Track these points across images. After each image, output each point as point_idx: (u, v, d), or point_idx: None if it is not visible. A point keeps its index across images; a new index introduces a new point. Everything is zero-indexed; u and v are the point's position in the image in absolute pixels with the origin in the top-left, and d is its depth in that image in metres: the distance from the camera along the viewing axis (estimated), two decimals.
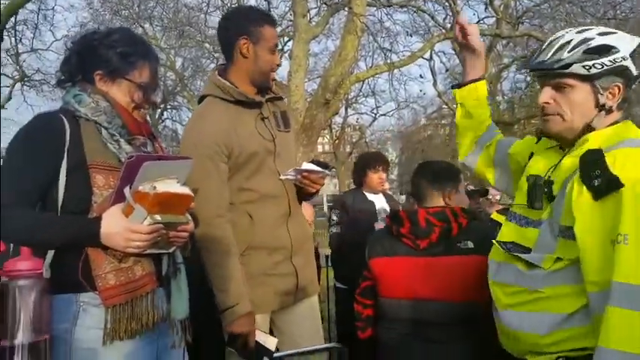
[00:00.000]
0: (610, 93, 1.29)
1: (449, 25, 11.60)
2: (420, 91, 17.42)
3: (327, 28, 10.61)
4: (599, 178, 1.15)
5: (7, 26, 10.49)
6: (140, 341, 1.47)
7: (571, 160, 1.29)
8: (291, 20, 8.80)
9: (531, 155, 1.50)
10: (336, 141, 22.53)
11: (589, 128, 1.29)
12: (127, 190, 1.40)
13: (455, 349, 1.90)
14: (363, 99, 19.34)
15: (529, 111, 16.53)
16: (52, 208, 1.45)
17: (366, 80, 13.10)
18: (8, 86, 18.67)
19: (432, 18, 12.06)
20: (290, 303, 2.03)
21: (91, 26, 14.49)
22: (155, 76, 1.61)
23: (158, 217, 1.43)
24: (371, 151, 5.69)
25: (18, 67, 16.30)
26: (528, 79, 16.95)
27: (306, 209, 3.29)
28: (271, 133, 2.03)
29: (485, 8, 11.31)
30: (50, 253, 1.44)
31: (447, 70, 16.97)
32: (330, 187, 29.77)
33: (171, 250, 1.55)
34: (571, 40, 1.28)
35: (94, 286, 1.42)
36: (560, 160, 1.33)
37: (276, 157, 2.01)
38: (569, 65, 1.26)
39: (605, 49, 1.24)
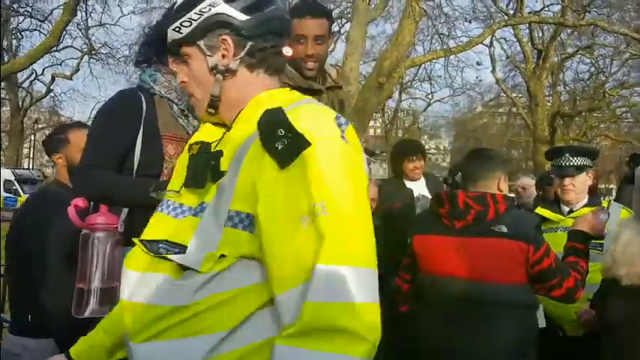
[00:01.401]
0: (224, 49, 1.00)
1: (511, 12, 11.28)
2: (477, 77, 16.97)
3: (385, 11, 10.55)
4: (283, 139, 0.87)
5: (79, 2, 10.99)
6: None
7: (242, 127, 0.97)
8: (350, 2, 8.83)
9: None
10: (388, 125, 22.40)
11: (214, 100, 1.02)
12: None
13: (488, 329, 1.95)
14: (419, 84, 19.08)
15: (591, 103, 15.83)
16: (129, 171, 1.63)
17: (423, 65, 12.96)
18: (76, 59, 19.69)
19: (495, 3, 11.76)
20: None
21: (156, 3, 15.10)
22: None
23: None
24: (406, 139, 5.72)
25: (87, 41, 17.04)
26: (592, 69, 16.24)
27: (374, 188, 3.32)
28: None
29: None
30: (125, 211, 1.63)
31: (507, 57, 16.52)
32: (379, 172, 29.73)
33: None
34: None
35: None
36: (228, 130, 1.01)
37: None
38: (165, 33, 1.06)
39: (191, 2, 1.00)
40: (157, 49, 1.72)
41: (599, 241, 2.41)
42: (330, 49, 2.17)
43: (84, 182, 1.61)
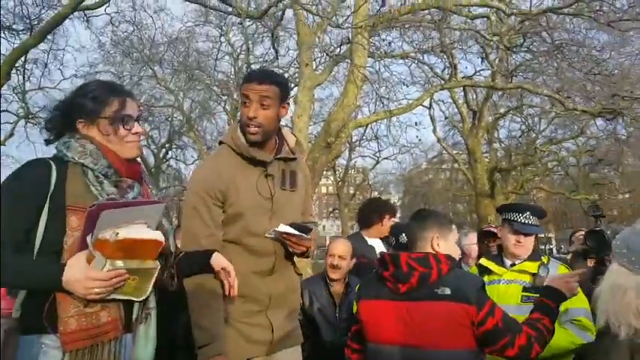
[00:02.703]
0: None
1: (447, 76, 12.18)
2: (417, 137, 17.83)
3: (332, 76, 11.13)
4: None
5: (16, 65, 10.76)
6: None
7: None
8: (297, 68, 9.31)
9: None
10: (340, 183, 22.88)
11: None
12: (88, 238, 1.44)
13: None
14: (367, 143, 19.81)
15: (525, 158, 16.96)
16: (31, 249, 1.51)
17: (370, 125, 13.56)
18: (12, 123, 18.85)
19: (431, 69, 12.68)
20: (264, 353, 2.04)
21: (101, 67, 14.99)
22: (123, 105, 1.68)
23: (120, 263, 1.45)
24: (379, 199, 5.76)
25: (24, 105, 16.46)
26: (523, 127, 17.56)
27: (344, 245, 3.25)
28: (271, 191, 2.07)
29: (482, 61, 11.90)
30: (22, 294, 1.51)
31: (446, 118, 17.61)
32: (333, 228, 29.88)
33: (140, 299, 1.56)
34: None
35: (56, 329, 1.44)
36: None
37: (272, 214, 2.05)
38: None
39: None
40: (64, 122, 1.69)
41: (537, 295, 2.39)
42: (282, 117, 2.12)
43: None
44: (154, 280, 1.55)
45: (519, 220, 2.66)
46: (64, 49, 13.68)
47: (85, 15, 10.09)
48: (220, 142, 2.18)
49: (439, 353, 1.88)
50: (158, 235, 1.52)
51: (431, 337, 1.89)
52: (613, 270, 1.41)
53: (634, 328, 1.32)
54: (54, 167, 1.56)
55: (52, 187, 1.53)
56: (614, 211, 22.97)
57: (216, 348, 1.87)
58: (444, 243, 2.07)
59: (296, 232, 2.02)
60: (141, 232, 1.48)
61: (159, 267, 1.55)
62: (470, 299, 1.88)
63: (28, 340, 1.47)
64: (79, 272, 1.44)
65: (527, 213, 2.67)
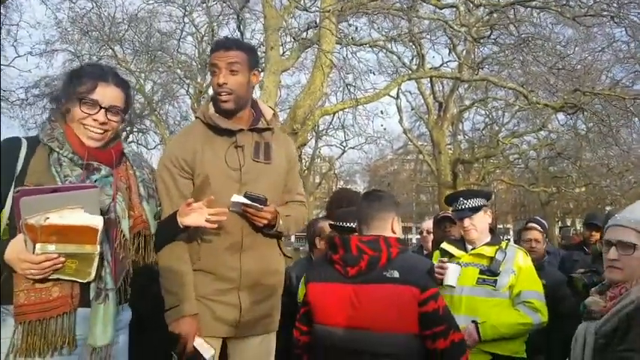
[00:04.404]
0: None
1: (415, 67, 12.16)
2: (381, 125, 17.80)
3: (299, 62, 10.90)
4: None
5: None
6: None
7: None
8: (263, 52, 9.07)
9: None
10: (306, 171, 22.76)
11: None
12: (20, 222, 1.49)
13: None
14: (333, 132, 19.72)
15: (487, 150, 17.26)
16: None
17: (336, 114, 13.44)
18: None
19: (399, 58, 12.62)
20: (232, 334, 2.03)
21: (58, 45, 14.30)
22: (92, 88, 1.70)
23: (51, 247, 1.48)
24: (352, 190, 5.87)
25: None
26: (487, 120, 17.83)
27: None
28: (240, 162, 2.03)
29: (449, 52, 11.94)
30: None
31: (412, 109, 17.67)
32: None
33: (84, 281, 1.59)
34: None
35: (11, 301, 1.54)
36: None
37: (242, 186, 2.01)
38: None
39: None
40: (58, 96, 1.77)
41: (493, 278, 2.60)
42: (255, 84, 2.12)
43: None
44: (95, 263, 1.56)
45: (455, 207, 2.82)
46: (17, 24, 12.96)
47: None
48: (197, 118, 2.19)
49: (385, 336, 1.89)
50: (93, 221, 1.50)
51: (377, 319, 1.90)
52: None
53: None
54: (24, 146, 1.62)
55: (19, 168, 1.60)
56: (570, 203, 23.75)
57: (181, 310, 1.90)
58: (398, 225, 2.10)
59: (248, 202, 1.96)
60: (75, 217, 1.47)
61: (98, 251, 1.54)
62: (418, 283, 1.90)
63: None
64: (15, 253, 1.51)
65: (460, 199, 2.81)
